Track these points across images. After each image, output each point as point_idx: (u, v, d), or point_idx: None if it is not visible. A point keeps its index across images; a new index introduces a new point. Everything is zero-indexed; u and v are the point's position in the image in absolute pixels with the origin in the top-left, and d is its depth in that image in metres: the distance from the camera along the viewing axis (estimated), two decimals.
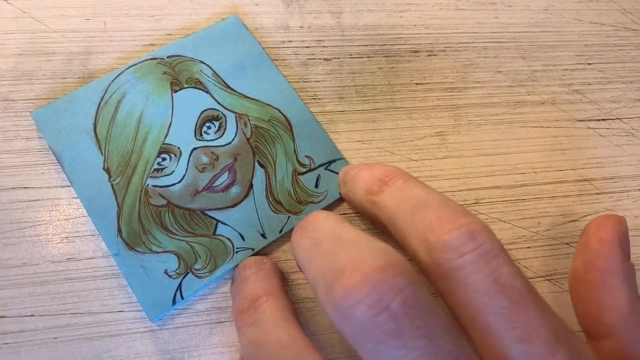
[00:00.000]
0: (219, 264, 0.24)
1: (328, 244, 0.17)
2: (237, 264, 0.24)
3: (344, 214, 0.27)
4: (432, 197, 0.18)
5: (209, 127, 0.27)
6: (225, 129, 0.27)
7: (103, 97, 0.27)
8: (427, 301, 0.14)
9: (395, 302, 0.14)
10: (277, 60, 0.30)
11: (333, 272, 0.15)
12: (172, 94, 0.27)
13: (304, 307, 0.25)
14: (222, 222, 0.25)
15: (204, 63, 0.28)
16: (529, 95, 0.31)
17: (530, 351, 0.15)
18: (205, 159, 0.26)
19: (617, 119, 0.31)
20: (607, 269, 0.18)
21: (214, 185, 0.26)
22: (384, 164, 0.22)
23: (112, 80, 0.27)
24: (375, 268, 0.14)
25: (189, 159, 0.26)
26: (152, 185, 0.25)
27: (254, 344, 0.19)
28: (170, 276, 0.24)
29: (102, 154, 0.26)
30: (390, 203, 0.19)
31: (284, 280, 0.24)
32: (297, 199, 0.26)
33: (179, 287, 0.24)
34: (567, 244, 0.27)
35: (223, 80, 0.28)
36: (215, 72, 0.28)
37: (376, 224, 0.25)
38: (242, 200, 0.26)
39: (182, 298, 0.23)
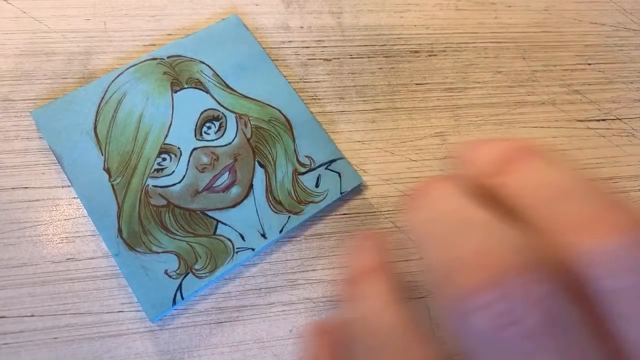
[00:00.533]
0: (219, 264, 0.24)
1: (448, 224, 0.13)
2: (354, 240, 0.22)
3: (345, 214, 0.27)
4: (578, 183, 0.13)
5: (209, 127, 0.27)
6: (225, 129, 0.27)
7: (103, 97, 0.27)
8: (576, 314, 0.11)
9: (533, 317, 0.10)
10: (277, 60, 0.30)
11: (452, 262, 0.12)
12: (172, 94, 0.27)
13: (304, 307, 0.25)
14: (223, 222, 0.25)
15: (204, 63, 0.28)
16: (529, 95, 0.31)
17: None
18: (205, 159, 0.26)
19: (617, 119, 0.31)
20: None
21: (214, 185, 0.26)
22: (509, 139, 0.17)
23: (113, 81, 0.27)
24: (510, 266, 0.11)
25: (189, 159, 0.26)
26: (153, 186, 0.25)
27: (357, 320, 0.16)
28: (170, 276, 0.24)
29: (102, 154, 0.26)
30: (520, 188, 0.14)
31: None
32: (297, 198, 0.26)
33: (179, 287, 0.24)
34: None
35: (223, 81, 0.28)
36: (215, 72, 0.28)
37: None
38: (242, 201, 0.26)
39: (182, 298, 0.23)
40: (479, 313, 0.11)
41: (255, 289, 0.25)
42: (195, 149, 0.26)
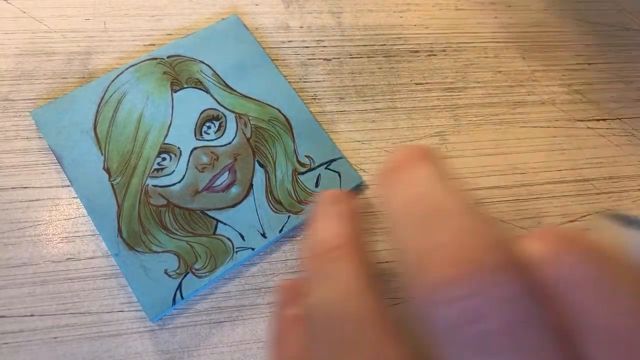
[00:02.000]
0: (219, 263, 0.24)
1: (424, 208, 0.13)
2: (316, 201, 0.20)
3: None
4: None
5: (209, 127, 0.27)
6: (225, 128, 0.27)
7: (103, 97, 0.27)
8: (545, 323, 0.11)
9: (499, 317, 0.10)
10: (277, 60, 0.30)
11: (427, 250, 0.12)
12: (172, 94, 0.27)
13: None
14: (222, 222, 0.25)
15: (204, 63, 0.28)
16: (529, 95, 0.31)
17: None
18: (205, 159, 0.26)
19: (617, 119, 0.31)
20: None
21: (214, 185, 0.26)
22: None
23: (112, 80, 0.27)
24: (484, 264, 0.11)
25: (189, 159, 0.26)
26: (152, 185, 0.25)
27: (316, 306, 0.14)
28: (170, 276, 0.24)
29: (102, 154, 0.26)
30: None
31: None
32: (297, 198, 0.26)
33: (179, 287, 0.24)
34: None
35: (223, 80, 0.28)
36: (215, 72, 0.28)
37: None
38: (242, 200, 0.26)
39: (182, 298, 0.23)
40: (448, 306, 0.11)
41: (255, 289, 0.25)
42: (195, 148, 0.26)
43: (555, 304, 0.11)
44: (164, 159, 0.26)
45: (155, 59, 0.28)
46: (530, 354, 0.10)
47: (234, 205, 0.25)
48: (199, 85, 0.28)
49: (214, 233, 0.25)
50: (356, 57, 0.30)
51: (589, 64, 0.32)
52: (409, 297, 0.12)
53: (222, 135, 0.27)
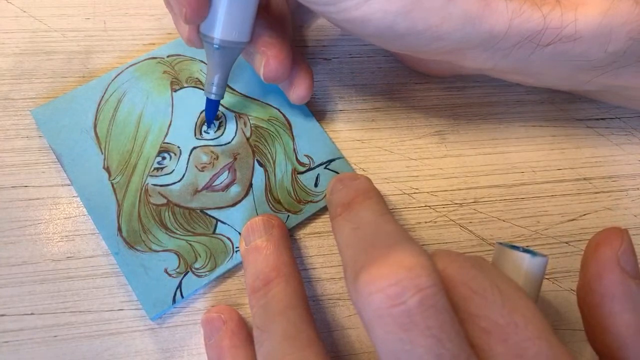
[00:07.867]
0: (219, 263, 0.24)
1: (367, 232, 0.18)
2: (246, 224, 0.24)
3: None
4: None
5: (209, 127, 0.27)
6: (225, 128, 0.27)
7: (103, 96, 0.27)
8: (445, 306, 0.15)
9: (414, 299, 0.14)
10: None
11: (364, 260, 0.16)
12: (172, 93, 0.27)
13: None
14: (222, 221, 0.25)
15: (204, 62, 0.28)
16: (528, 94, 0.31)
17: None
18: (205, 158, 0.26)
19: (616, 118, 0.31)
20: (606, 292, 0.17)
21: (213, 184, 0.26)
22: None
23: (112, 80, 0.27)
24: (403, 265, 0.15)
25: (188, 158, 0.26)
26: (152, 184, 0.25)
27: (260, 328, 0.20)
28: (170, 275, 0.24)
29: (102, 153, 0.26)
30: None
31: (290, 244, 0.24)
32: (296, 198, 0.26)
33: (179, 286, 0.24)
34: (566, 242, 0.27)
35: None
36: None
37: None
38: (241, 200, 0.26)
39: (182, 297, 0.24)
40: (376, 294, 0.14)
41: None
42: (194, 147, 0.26)
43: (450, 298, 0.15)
44: (163, 158, 0.26)
45: (155, 58, 0.28)
46: (440, 329, 0.14)
47: (233, 205, 0.26)
48: (199, 84, 0.28)
49: (214, 232, 0.25)
50: (356, 57, 0.30)
51: None
52: (351, 293, 0.16)
53: (222, 134, 0.27)
